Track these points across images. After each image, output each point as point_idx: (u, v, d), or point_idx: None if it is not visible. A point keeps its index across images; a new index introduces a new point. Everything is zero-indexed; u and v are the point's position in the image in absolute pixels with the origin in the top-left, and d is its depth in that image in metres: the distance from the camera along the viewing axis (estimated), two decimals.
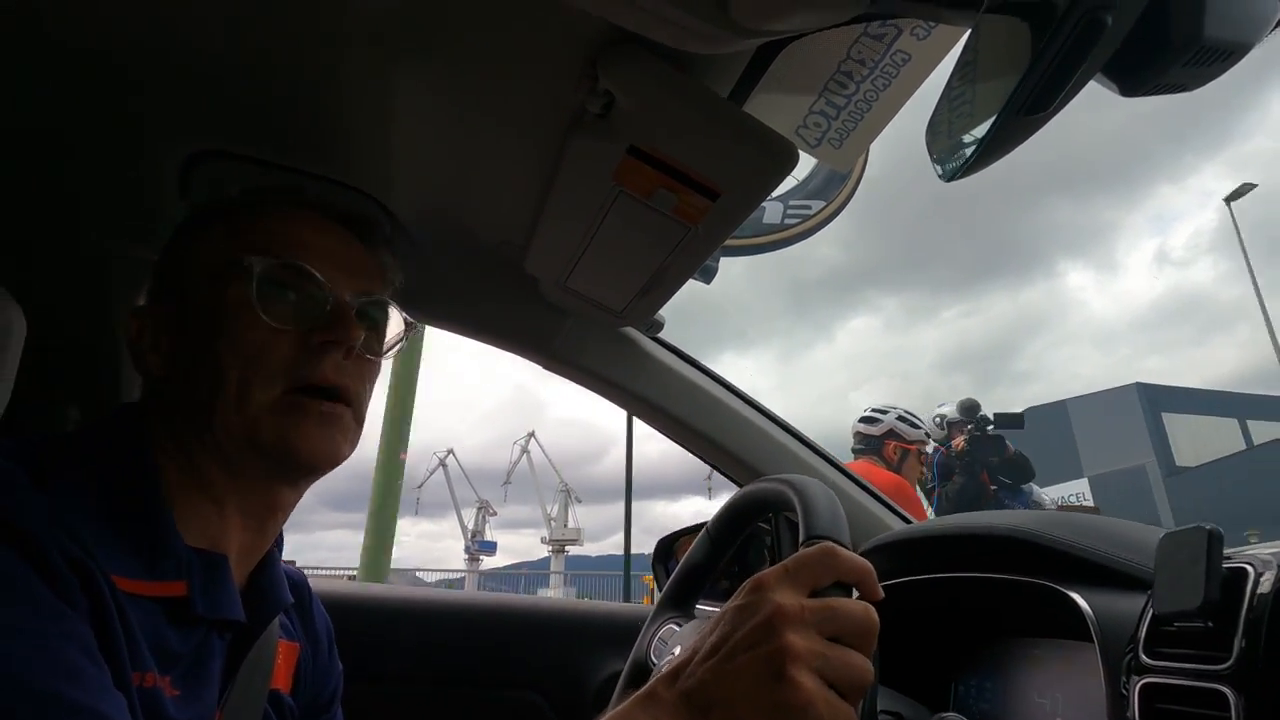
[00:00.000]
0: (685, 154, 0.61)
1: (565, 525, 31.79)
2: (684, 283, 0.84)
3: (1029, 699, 0.72)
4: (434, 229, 0.87)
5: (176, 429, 0.55)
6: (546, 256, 0.85)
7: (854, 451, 2.73)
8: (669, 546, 1.37)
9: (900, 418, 2.67)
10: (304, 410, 0.54)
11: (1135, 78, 0.40)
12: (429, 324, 1.01)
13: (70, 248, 0.83)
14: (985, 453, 4.14)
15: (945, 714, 0.54)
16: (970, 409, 4.35)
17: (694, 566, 0.77)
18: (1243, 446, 19.73)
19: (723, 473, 1.09)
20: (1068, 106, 0.42)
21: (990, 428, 4.14)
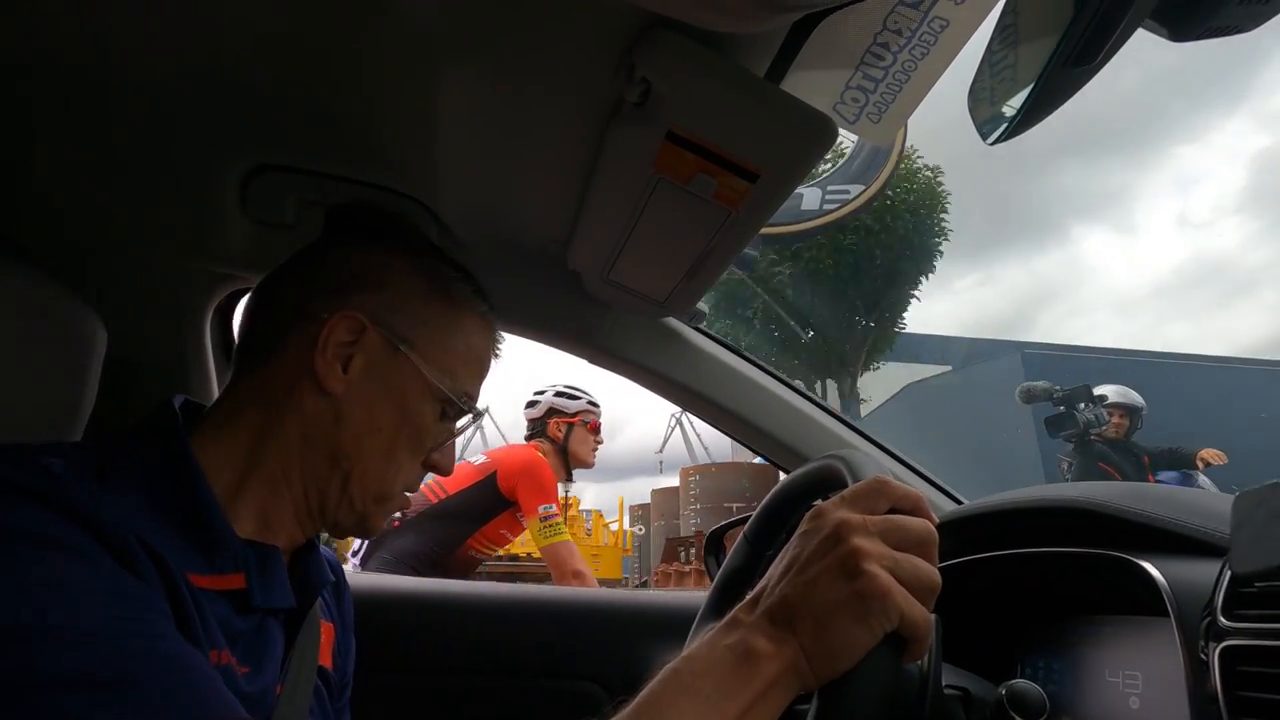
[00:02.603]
0: (724, 136, 0.62)
1: None
2: (725, 269, 0.84)
3: (1099, 678, 0.70)
4: (479, 231, 0.90)
5: (305, 438, 0.57)
6: (589, 251, 0.86)
7: (525, 439, 2.68)
8: (719, 539, 1.37)
9: (559, 393, 2.63)
10: (398, 506, 0.64)
11: (1187, 20, 0.39)
12: None
13: (143, 263, 0.88)
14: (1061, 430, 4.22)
15: (1014, 681, 0.53)
16: (1028, 394, 4.42)
17: (734, 572, 0.75)
18: None
19: (772, 461, 1.09)
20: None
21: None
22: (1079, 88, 0.43)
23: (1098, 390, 4.43)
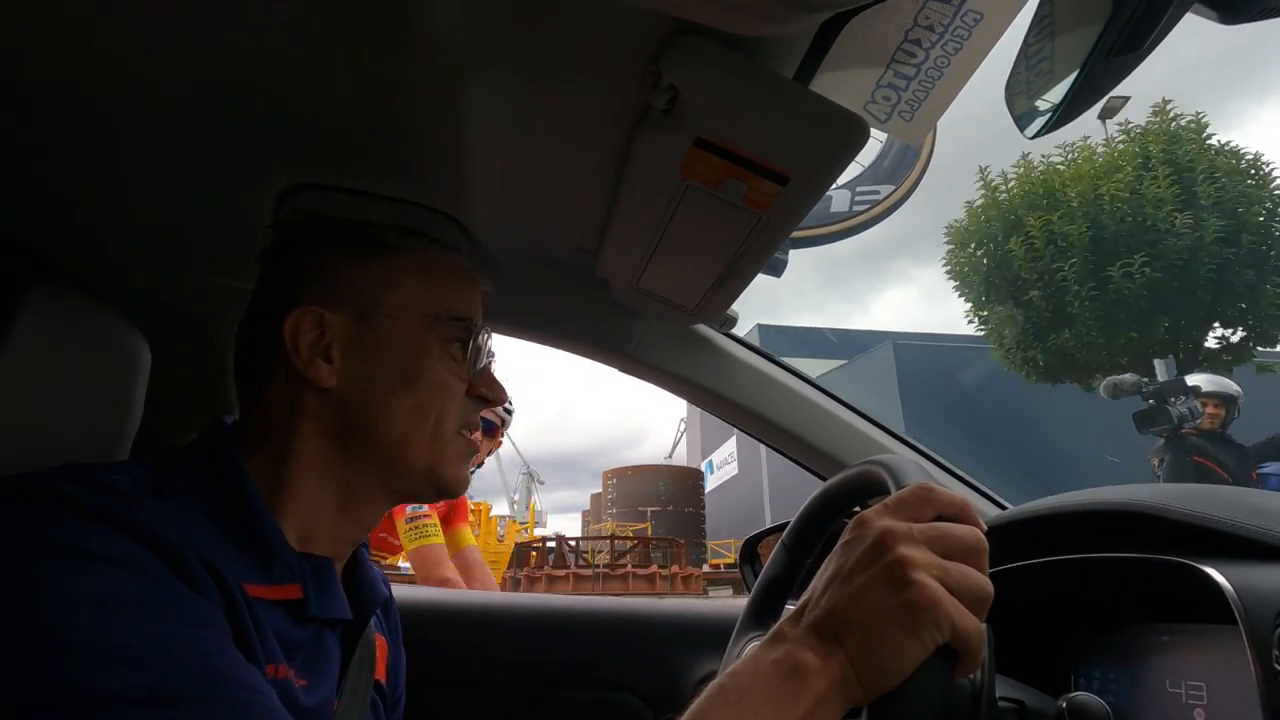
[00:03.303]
0: (753, 140, 0.61)
1: (526, 508, 31.93)
2: (755, 274, 0.83)
3: (1159, 689, 0.67)
4: (507, 242, 0.90)
5: (330, 440, 0.59)
6: (618, 259, 0.86)
7: None
8: (753, 547, 1.36)
9: None
10: (468, 447, 0.64)
11: (1238, 1, 0.37)
12: (506, 334, 1.04)
13: (184, 282, 0.90)
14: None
15: (1073, 694, 0.51)
16: (1115, 389, 4.18)
17: (772, 580, 0.74)
18: None
19: (807, 468, 1.07)
20: None
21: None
22: (1124, 77, 0.41)
23: (1190, 380, 4.15)
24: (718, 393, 1.03)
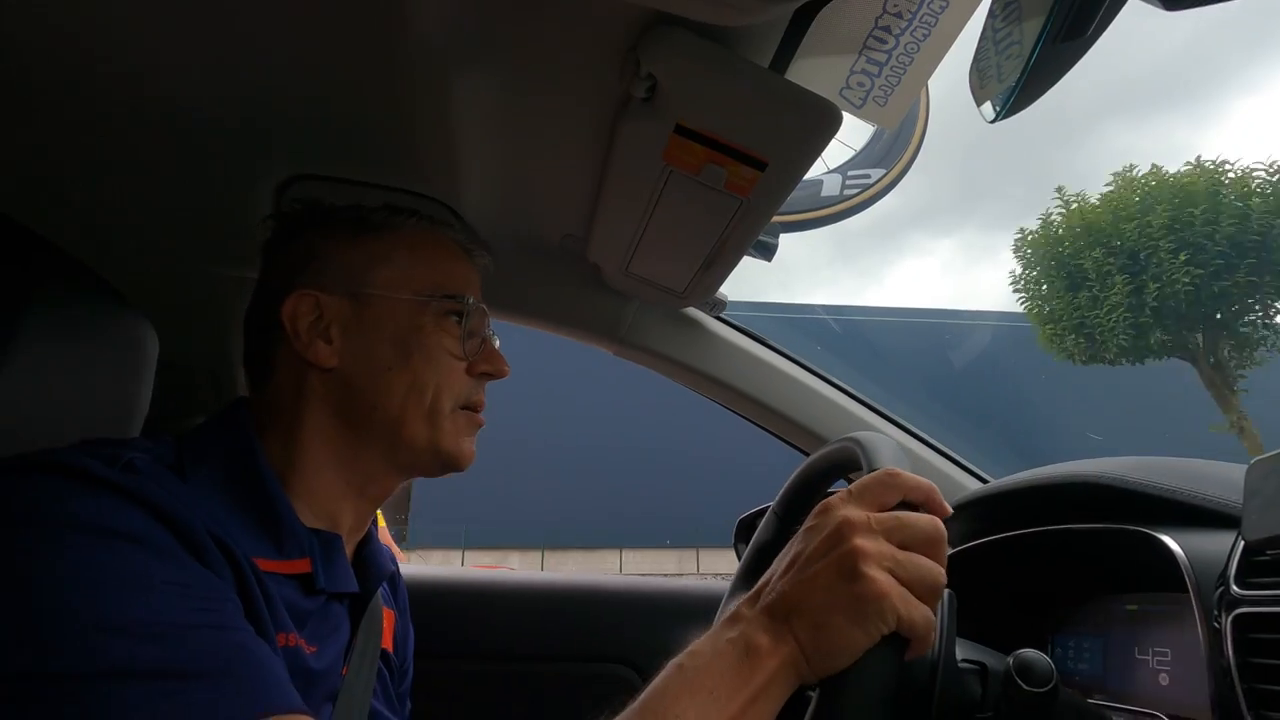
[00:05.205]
0: (730, 127, 0.63)
1: None
2: (741, 257, 0.85)
3: (1129, 657, 0.70)
4: (500, 229, 0.92)
5: (336, 418, 0.61)
6: (608, 244, 0.88)
7: None
8: (750, 525, 1.38)
9: None
10: (470, 423, 0.66)
11: None
12: (501, 319, 1.06)
13: (189, 271, 0.93)
14: None
15: (1021, 650, 0.53)
16: None
17: (764, 545, 0.77)
18: None
19: (796, 447, 1.10)
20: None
21: None
22: (1073, 64, 0.43)
23: None
24: (709, 374, 1.05)
